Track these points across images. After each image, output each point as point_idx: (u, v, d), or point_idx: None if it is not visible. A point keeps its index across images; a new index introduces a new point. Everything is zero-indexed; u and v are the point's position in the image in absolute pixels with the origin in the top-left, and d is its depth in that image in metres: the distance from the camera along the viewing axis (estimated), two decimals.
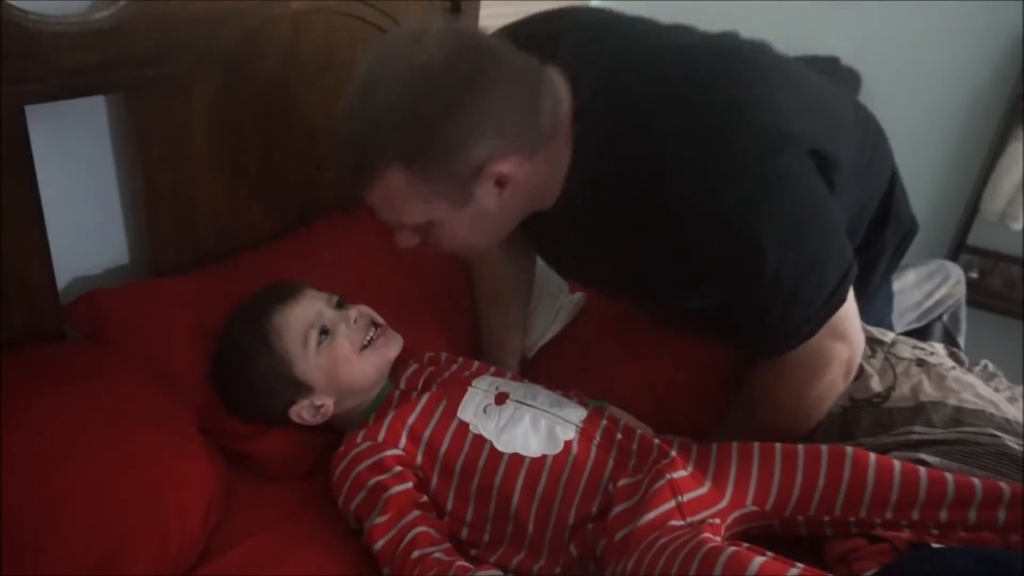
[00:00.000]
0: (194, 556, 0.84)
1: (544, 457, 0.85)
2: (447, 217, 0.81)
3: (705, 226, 0.78)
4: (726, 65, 0.82)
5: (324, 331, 0.92)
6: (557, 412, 0.89)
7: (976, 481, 0.75)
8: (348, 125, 0.78)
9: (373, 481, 0.85)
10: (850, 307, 0.85)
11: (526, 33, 0.90)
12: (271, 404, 0.93)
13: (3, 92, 0.81)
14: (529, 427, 0.87)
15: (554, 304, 1.19)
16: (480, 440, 0.86)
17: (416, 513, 0.83)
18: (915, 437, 0.84)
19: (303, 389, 0.92)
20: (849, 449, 0.79)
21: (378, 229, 1.25)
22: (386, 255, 1.21)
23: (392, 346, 0.96)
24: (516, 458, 0.85)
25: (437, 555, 0.79)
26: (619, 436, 0.88)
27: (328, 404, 0.93)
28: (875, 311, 1.11)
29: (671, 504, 0.78)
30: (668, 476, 0.79)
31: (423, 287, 1.16)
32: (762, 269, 0.78)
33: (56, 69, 0.85)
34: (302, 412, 0.93)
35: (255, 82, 1.07)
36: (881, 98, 1.83)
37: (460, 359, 1.03)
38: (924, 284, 1.31)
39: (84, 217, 1.03)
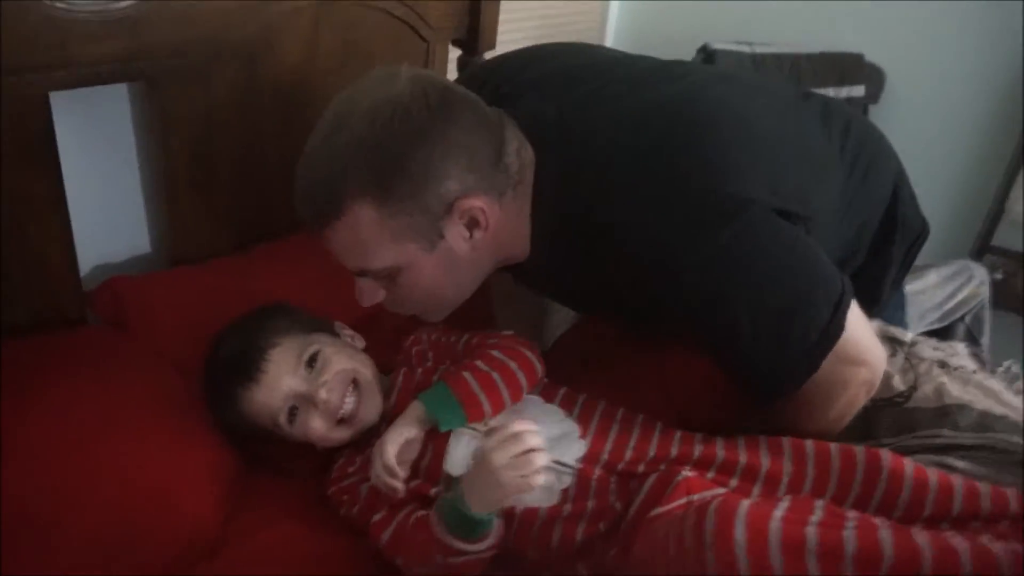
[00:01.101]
0: (209, 544, 0.84)
1: (537, 508, 0.80)
2: (416, 260, 0.78)
3: (668, 299, 0.78)
4: (681, 131, 0.80)
5: (293, 410, 0.86)
6: (551, 454, 0.80)
7: (1010, 493, 0.72)
8: (315, 160, 0.76)
9: (367, 486, 0.85)
10: (858, 329, 0.81)
11: (486, 86, 0.90)
12: (264, 450, 0.93)
13: (28, 80, 0.83)
14: None
15: None
16: None
17: (414, 505, 0.82)
18: (941, 441, 0.82)
19: (291, 443, 0.90)
20: (886, 457, 0.75)
21: None
22: None
23: (371, 413, 0.89)
24: (507, 511, 0.80)
25: None
26: (629, 455, 0.83)
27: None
28: (887, 320, 1.09)
29: (682, 501, 0.76)
30: (683, 474, 0.78)
31: None
32: (737, 331, 0.77)
33: (80, 57, 0.86)
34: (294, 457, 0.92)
35: (275, 73, 1.07)
36: (905, 96, 1.81)
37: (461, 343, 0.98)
38: (946, 285, 1.29)
39: (107, 206, 1.04)
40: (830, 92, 1.75)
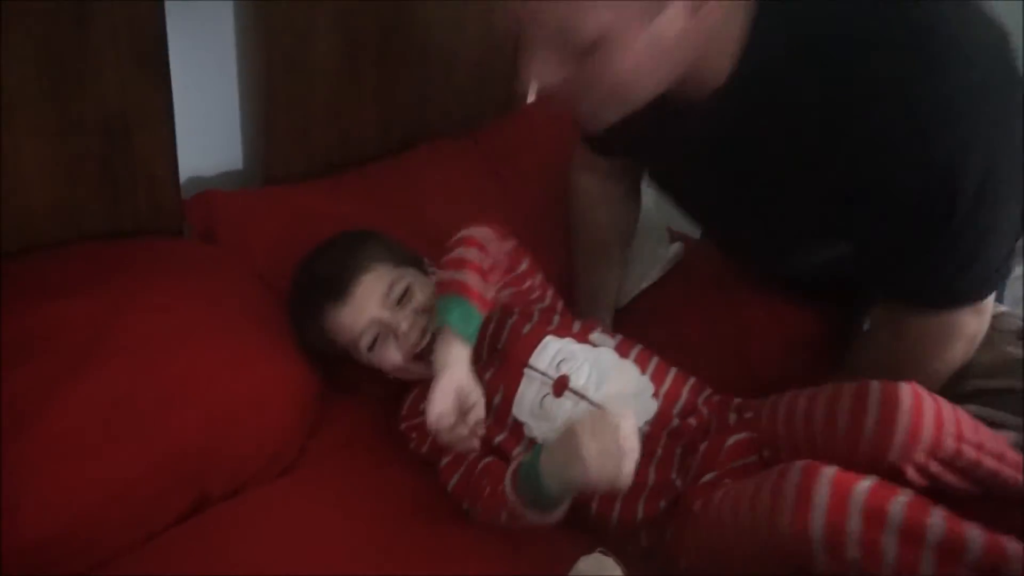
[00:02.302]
0: (291, 456, 0.87)
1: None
2: (624, 33, 0.67)
3: (907, 162, 0.70)
4: None
5: (375, 337, 0.88)
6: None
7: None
8: None
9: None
10: None
11: None
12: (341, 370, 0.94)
13: None
14: None
15: (652, 255, 1.16)
16: (535, 444, 0.81)
17: (481, 451, 0.83)
18: (969, 387, 0.79)
19: (368, 366, 0.91)
20: (906, 390, 0.68)
21: (482, 155, 1.25)
22: (488, 184, 1.20)
23: None
24: None
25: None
26: (702, 410, 0.83)
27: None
28: None
29: (753, 459, 0.76)
30: (733, 438, 0.78)
31: (520, 213, 1.14)
32: (951, 213, 0.70)
33: None
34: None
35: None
36: None
37: (547, 296, 0.99)
38: None
39: (205, 118, 1.05)
40: None
